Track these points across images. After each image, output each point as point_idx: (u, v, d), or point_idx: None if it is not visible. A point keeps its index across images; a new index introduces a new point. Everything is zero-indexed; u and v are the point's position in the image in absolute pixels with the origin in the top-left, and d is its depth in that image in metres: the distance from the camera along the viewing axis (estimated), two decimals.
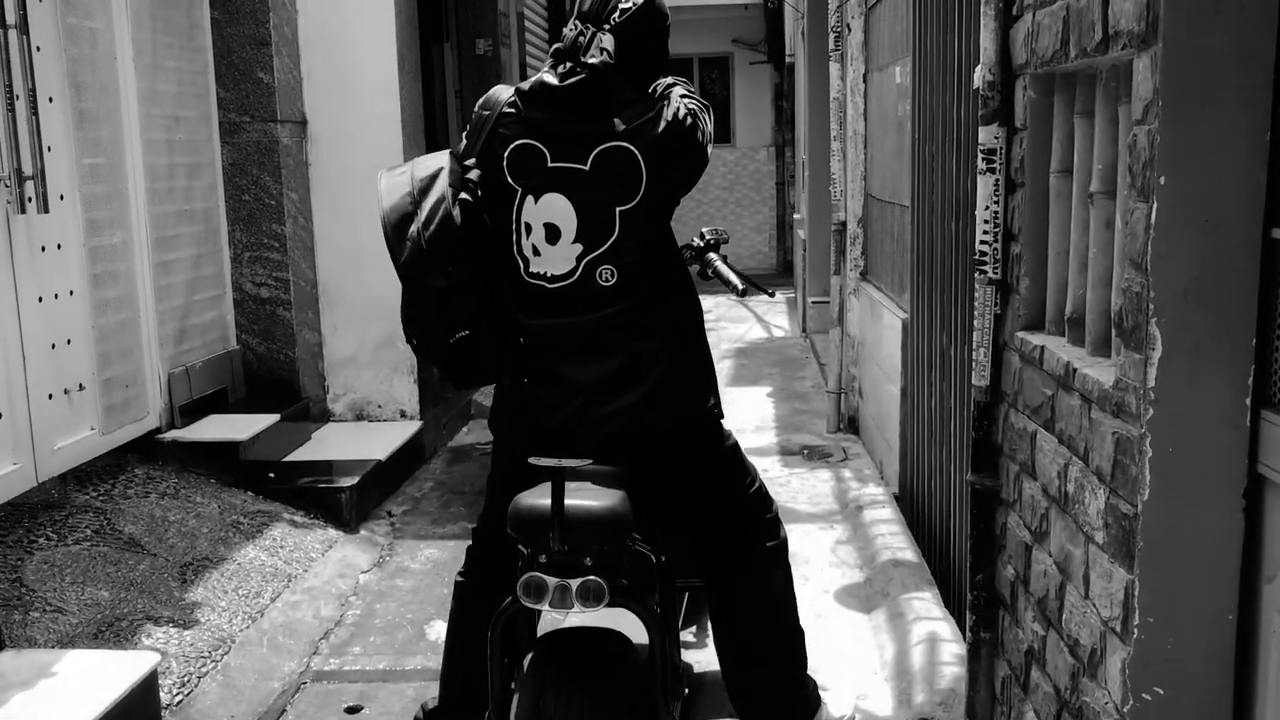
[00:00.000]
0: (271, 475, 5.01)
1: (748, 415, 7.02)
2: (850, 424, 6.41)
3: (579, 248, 2.49)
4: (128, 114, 4.68)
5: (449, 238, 2.46)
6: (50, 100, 4.16)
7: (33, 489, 4.12)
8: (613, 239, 2.48)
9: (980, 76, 2.70)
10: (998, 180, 2.70)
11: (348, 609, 4.19)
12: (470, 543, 2.91)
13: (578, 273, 2.50)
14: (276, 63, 5.46)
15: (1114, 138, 2.20)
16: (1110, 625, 2.06)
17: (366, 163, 5.69)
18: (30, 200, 3.93)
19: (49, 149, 4.08)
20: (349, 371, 5.97)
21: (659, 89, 2.62)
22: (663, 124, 2.48)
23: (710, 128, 2.62)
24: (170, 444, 4.88)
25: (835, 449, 6.06)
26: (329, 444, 5.51)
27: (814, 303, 8.74)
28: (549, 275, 2.52)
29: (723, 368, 8.63)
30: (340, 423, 5.96)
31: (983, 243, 2.74)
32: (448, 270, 2.47)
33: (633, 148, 2.46)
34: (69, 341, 4.29)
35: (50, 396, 4.17)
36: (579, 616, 2.48)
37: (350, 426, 5.90)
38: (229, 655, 3.60)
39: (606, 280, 2.49)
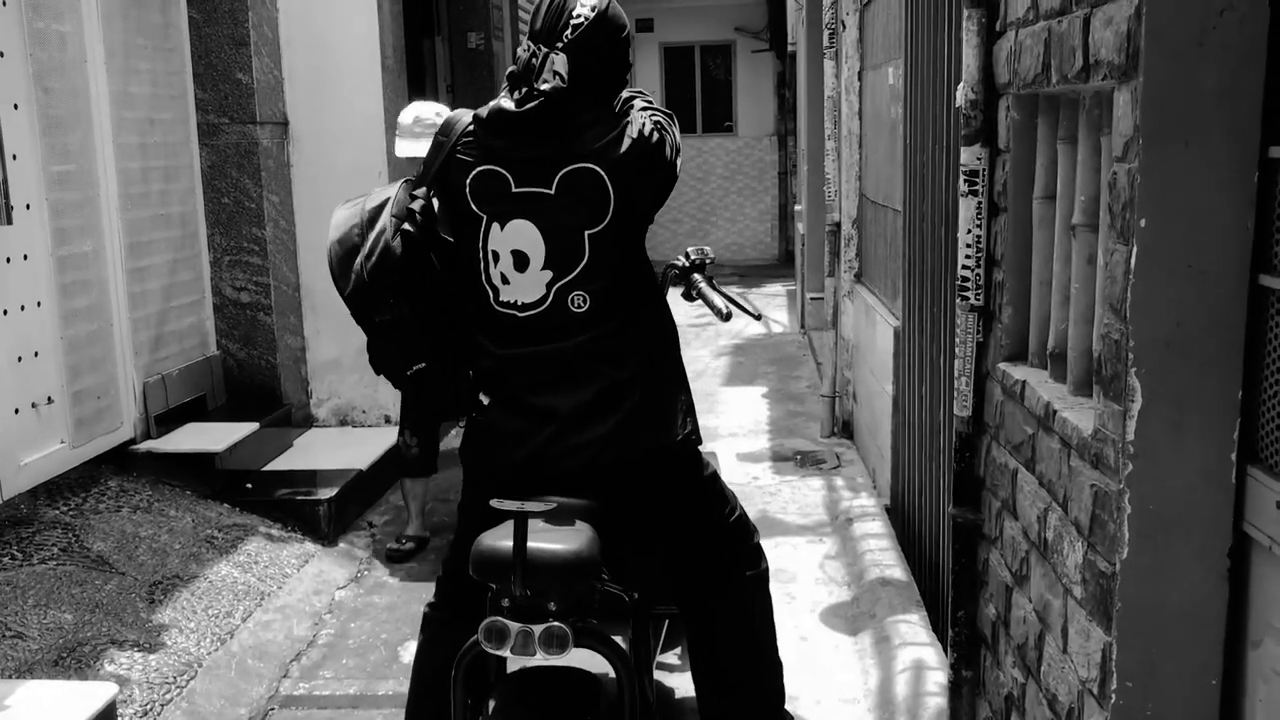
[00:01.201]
0: (249, 485, 4.92)
1: (742, 418, 6.92)
2: (845, 428, 6.30)
3: (549, 274, 2.40)
4: (99, 118, 4.58)
5: (388, 270, 2.42)
6: (15, 107, 4.05)
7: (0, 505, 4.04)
8: (583, 264, 2.39)
9: (962, 94, 2.59)
10: (980, 203, 2.59)
11: (321, 628, 4.11)
12: (440, 573, 2.83)
13: (549, 300, 2.42)
14: (256, 63, 5.35)
15: (1097, 167, 2.09)
16: (1088, 686, 1.96)
17: (350, 163, 5.60)
18: None
19: (14, 157, 3.98)
20: (333, 376, 5.88)
21: (619, 104, 2.51)
22: (627, 142, 2.38)
23: (678, 140, 2.51)
24: (145, 455, 4.79)
25: (829, 454, 5.96)
26: (310, 452, 5.42)
27: (812, 298, 8.60)
28: (519, 304, 2.44)
29: (719, 365, 8.54)
30: (324, 428, 5.86)
31: (964, 267, 2.64)
32: (389, 303, 2.43)
33: (598, 169, 2.36)
34: (36, 354, 4.20)
35: (16, 411, 4.08)
36: (548, 661, 2.39)
37: (334, 432, 5.80)
38: (195, 681, 3.51)
39: (579, 307, 2.41)
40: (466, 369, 2.56)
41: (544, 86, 2.33)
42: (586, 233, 2.38)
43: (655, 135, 2.41)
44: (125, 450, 4.78)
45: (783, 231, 14.89)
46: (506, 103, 2.39)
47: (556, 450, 2.46)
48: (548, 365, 2.46)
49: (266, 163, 5.45)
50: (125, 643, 3.58)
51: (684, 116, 14.83)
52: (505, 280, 2.43)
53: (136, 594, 3.87)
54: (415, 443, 4.48)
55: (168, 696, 3.39)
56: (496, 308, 2.46)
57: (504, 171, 2.40)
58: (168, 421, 5.05)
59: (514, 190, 2.40)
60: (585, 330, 2.43)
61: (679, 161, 2.51)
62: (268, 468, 5.14)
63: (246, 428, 5.13)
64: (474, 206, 2.44)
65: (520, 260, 2.41)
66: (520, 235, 2.40)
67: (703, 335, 9.59)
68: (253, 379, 5.58)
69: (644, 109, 2.46)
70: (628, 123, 2.40)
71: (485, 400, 2.58)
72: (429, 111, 4.45)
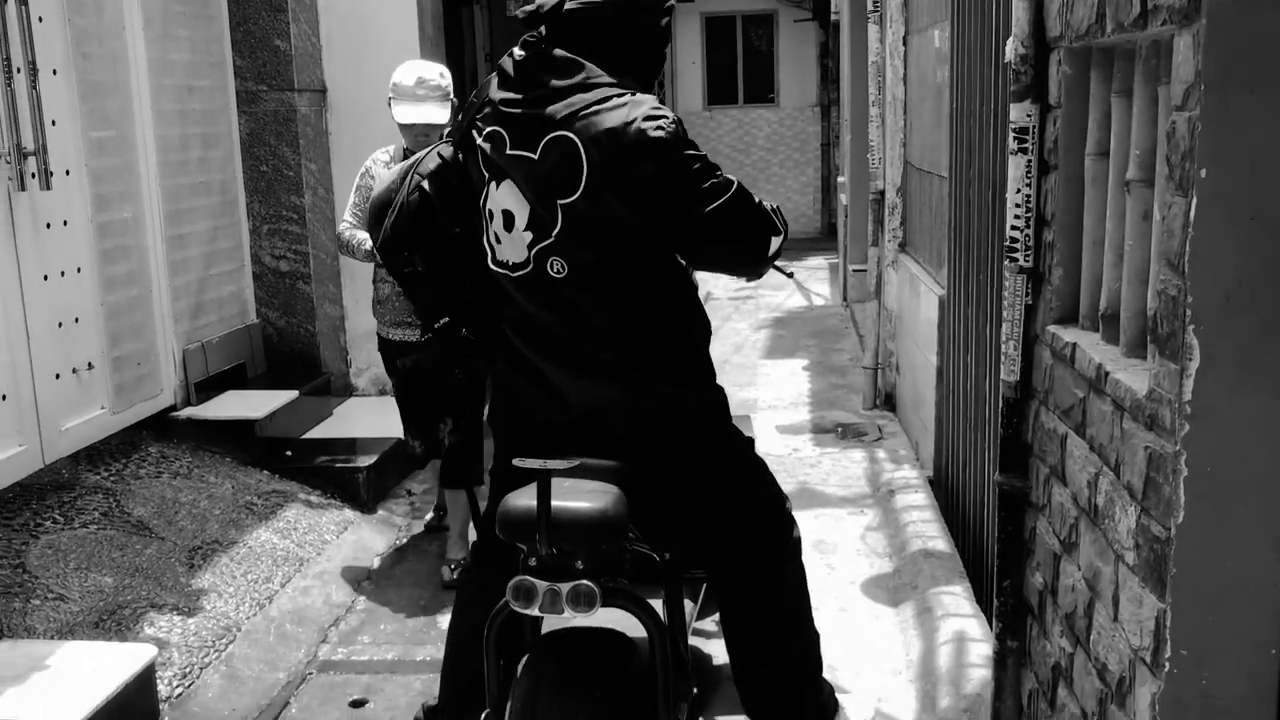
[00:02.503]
0: (289, 453, 4.95)
1: (782, 390, 6.87)
2: (887, 400, 6.24)
3: (529, 236, 2.39)
4: (137, 85, 4.59)
5: (403, 223, 2.49)
6: (54, 73, 4.07)
7: (42, 470, 4.07)
8: (556, 231, 2.36)
9: (1012, 49, 2.51)
10: (1030, 161, 2.52)
11: (359, 594, 4.13)
12: (475, 539, 2.83)
13: (531, 263, 2.40)
14: (294, 29, 5.34)
15: (1154, 120, 2.01)
16: (1140, 654, 1.91)
17: (388, 132, 5.53)
18: (33, 176, 3.85)
19: (53, 123, 4.00)
20: (371, 346, 5.84)
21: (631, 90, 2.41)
22: (614, 122, 2.27)
23: (705, 172, 2.34)
24: (185, 422, 4.83)
25: (870, 427, 5.90)
26: (350, 420, 5.44)
27: (855, 270, 8.53)
28: (510, 264, 2.44)
29: (759, 338, 8.48)
30: (363, 398, 5.88)
31: (1014, 228, 2.57)
32: (405, 255, 2.51)
33: (574, 137, 2.30)
34: (77, 320, 4.23)
35: (58, 376, 4.12)
36: (576, 619, 2.38)
37: (373, 401, 5.82)
38: (234, 645, 3.54)
39: (557, 272, 2.38)
40: (485, 327, 2.56)
41: (529, 7, 2.33)
42: (559, 201, 2.34)
43: (657, 131, 2.27)
44: (165, 417, 4.82)
45: (825, 204, 14.77)
46: (517, 50, 2.38)
47: (574, 418, 2.44)
48: (548, 331, 2.45)
49: (305, 130, 5.45)
50: (165, 606, 3.60)
51: (726, 87, 14.73)
52: (498, 240, 2.45)
53: (176, 559, 3.90)
54: (419, 444, 4.42)
55: (206, 659, 3.42)
56: (492, 268, 2.47)
57: (503, 131, 2.40)
58: (207, 389, 5.09)
59: (508, 151, 2.39)
60: (576, 298, 2.39)
61: (706, 183, 2.33)
62: (307, 435, 5.17)
63: (286, 396, 5.16)
64: (482, 166, 2.45)
65: (508, 220, 2.41)
66: (509, 195, 2.40)
67: (742, 309, 9.53)
68: (292, 347, 5.60)
69: (655, 109, 2.33)
70: (623, 104, 2.30)
71: (500, 362, 2.59)
72: (433, 73, 4.03)
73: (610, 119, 2.28)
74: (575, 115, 2.30)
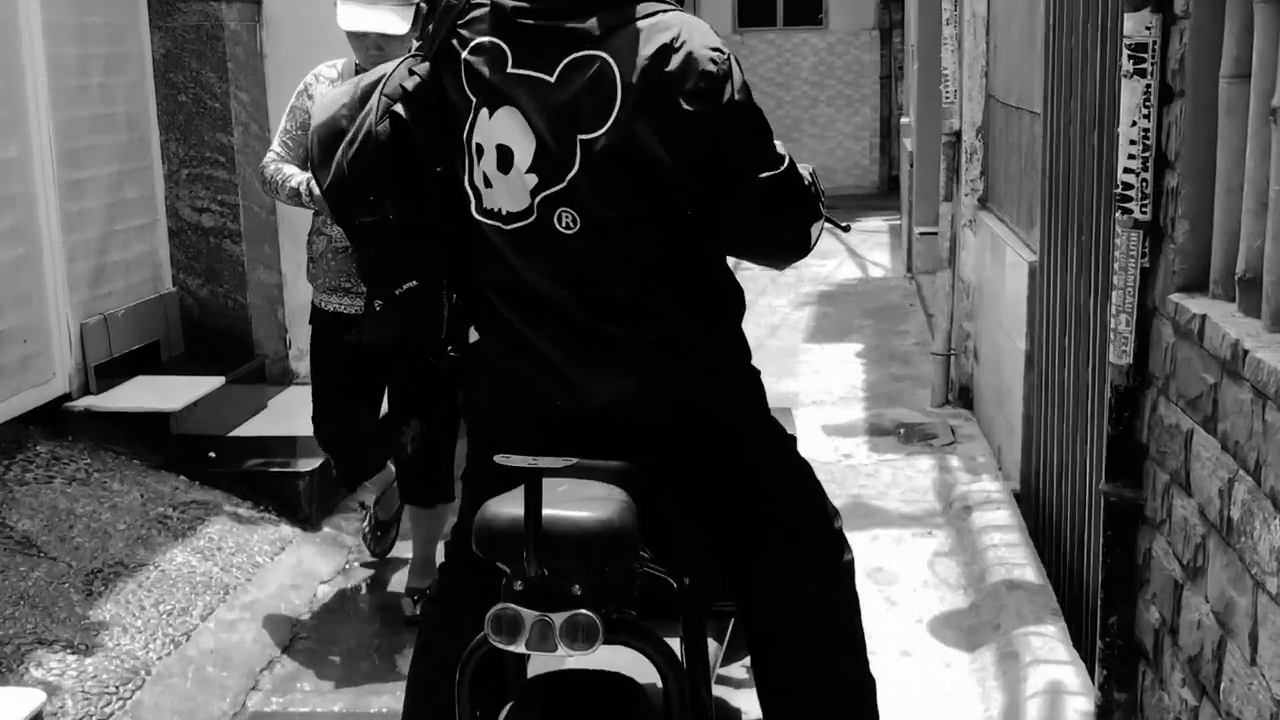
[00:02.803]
0: (212, 455, 4.99)
1: (830, 382, 6.91)
2: (962, 396, 6.27)
3: (533, 179, 2.37)
4: None
5: (368, 156, 2.44)
6: None
7: None
8: (571, 174, 2.34)
9: None
10: (1149, 86, 2.53)
11: (299, 630, 4.15)
12: (442, 560, 2.83)
13: (534, 214, 2.38)
14: None
15: None
16: None
17: (338, 53, 5.57)
18: None
19: None
20: None
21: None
22: (661, 41, 2.27)
23: (761, 131, 2.38)
24: (82, 414, 4.86)
25: (941, 428, 5.92)
26: (289, 414, 5.44)
27: (921, 234, 8.56)
28: (504, 213, 2.41)
29: (800, 317, 8.51)
30: (304, 386, 5.85)
31: (1127, 171, 2.58)
32: (369, 200, 2.45)
33: (608, 57, 2.29)
34: None
35: None
36: (572, 658, 2.39)
37: None
38: (142, 691, 3.56)
39: (567, 227, 2.36)
40: (463, 292, 2.55)
41: None
42: (579, 137, 2.32)
43: (709, 64, 2.28)
44: (58, 408, 4.85)
45: (885, 151, 14.81)
46: None
47: (575, 406, 2.44)
48: (548, 299, 2.43)
49: (234, 51, 5.47)
50: (56, 643, 3.62)
51: (761, 5, 14.74)
52: (488, 183, 2.42)
53: (70, 584, 3.92)
54: (334, 464, 4.42)
55: (108, 709, 3.44)
56: (477, 217, 2.45)
57: (503, 44, 2.37)
58: (111, 373, 5.12)
59: (509, 70, 2.36)
60: (587, 265, 2.39)
61: (755, 134, 2.36)
62: (235, 433, 5.19)
63: (210, 383, 5.18)
64: (466, 87, 2.42)
65: (504, 158, 2.38)
66: (507, 126, 2.37)
67: (780, 281, 9.52)
68: (217, 323, 5.64)
69: (711, 36, 2.34)
70: (671, 24, 2.30)
71: (475, 337, 2.59)
72: None
73: (656, 38, 2.27)
74: (611, 31, 2.29)
